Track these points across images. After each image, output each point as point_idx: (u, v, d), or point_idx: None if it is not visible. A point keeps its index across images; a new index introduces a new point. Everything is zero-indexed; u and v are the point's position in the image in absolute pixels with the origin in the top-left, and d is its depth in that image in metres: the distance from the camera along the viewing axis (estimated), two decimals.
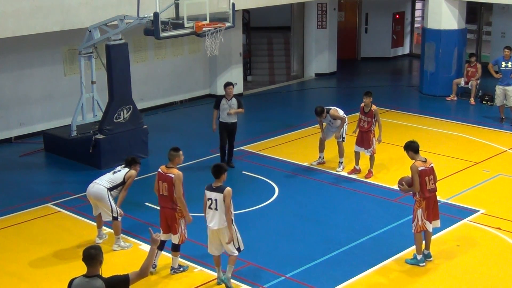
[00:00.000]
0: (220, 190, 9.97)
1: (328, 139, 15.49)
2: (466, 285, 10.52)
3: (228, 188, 9.96)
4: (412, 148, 10.98)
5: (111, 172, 11.85)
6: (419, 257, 10.95)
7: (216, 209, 10.01)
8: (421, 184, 10.67)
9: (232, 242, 10.17)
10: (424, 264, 10.94)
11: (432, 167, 10.87)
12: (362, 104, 14.72)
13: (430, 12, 21.38)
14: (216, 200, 9.98)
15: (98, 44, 15.96)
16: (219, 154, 15.82)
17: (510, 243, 11.83)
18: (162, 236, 10.76)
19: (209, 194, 10.09)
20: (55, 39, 17.36)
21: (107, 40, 15.36)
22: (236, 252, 10.26)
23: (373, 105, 14.61)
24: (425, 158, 10.92)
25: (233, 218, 10.12)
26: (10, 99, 17.33)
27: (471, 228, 12.45)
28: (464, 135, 17.73)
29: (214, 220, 10.07)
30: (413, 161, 10.84)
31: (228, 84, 15.22)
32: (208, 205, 10.10)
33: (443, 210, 12.76)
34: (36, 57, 17.56)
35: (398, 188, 11.26)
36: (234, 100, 15.09)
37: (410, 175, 10.80)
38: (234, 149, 15.91)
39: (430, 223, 10.86)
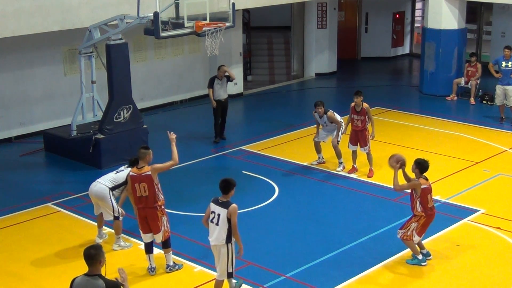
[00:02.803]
0: (225, 205, 9.52)
1: (323, 141, 15.45)
2: (466, 285, 10.52)
3: (234, 205, 9.52)
4: (422, 167, 10.77)
5: (114, 172, 11.84)
6: (420, 257, 10.96)
7: (217, 224, 9.56)
8: (423, 202, 10.69)
9: (227, 264, 9.74)
10: (425, 263, 10.94)
11: (431, 186, 10.92)
12: (353, 104, 14.77)
13: (430, 12, 21.38)
14: (219, 215, 9.53)
15: (98, 44, 15.96)
16: (219, 153, 16.21)
17: (510, 243, 11.83)
18: (145, 238, 10.79)
19: (213, 207, 9.64)
20: (55, 39, 17.37)
21: (107, 40, 15.35)
22: (226, 277, 9.80)
23: (364, 103, 14.66)
24: (427, 178, 10.91)
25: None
26: (10, 99, 17.33)
27: (471, 228, 12.45)
28: (464, 134, 17.72)
29: (214, 235, 9.67)
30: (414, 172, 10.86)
31: (220, 66, 17.14)
32: (210, 218, 9.68)
33: (443, 210, 12.78)
34: (36, 57, 17.56)
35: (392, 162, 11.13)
36: (224, 79, 17.02)
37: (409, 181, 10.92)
38: (235, 149, 16.27)
39: (419, 237, 10.91)
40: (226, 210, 9.48)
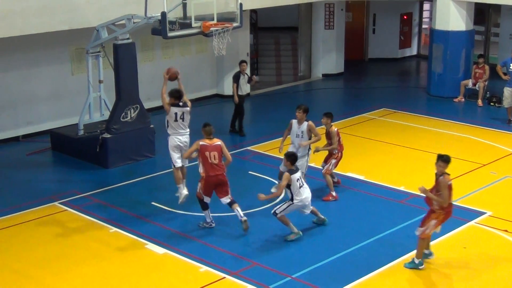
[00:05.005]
0: (298, 168, 11.96)
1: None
2: (472, 287, 10.48)
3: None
4: (445, 160, 10.58)
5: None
6: (417, 260, 10.86)
7: (303, 184, 11.80)
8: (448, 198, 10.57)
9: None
10: (423, 267, 10.86)
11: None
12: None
13: (438, 13, 21.35)
14: (300, 178, 11.72)
15: (105, 44, 15.98)
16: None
17: None
18: (208, 199, 12.27)
19: (296, 175, 11.64)
20: (62, 38, 17.39)
21: (115, 40, 15.37)
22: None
23: (332, 127, 13.63)
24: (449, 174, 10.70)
25: None
26: (17, 98, 17.37)
27: (478, 230, 12.41)
28: (472, 136, 17.68)
29: (308, 192, 11.87)
30: (441, 172, 10.59)
31: (242, 61, 17.83)
32: (298, 186, 11.64)
33: None
34: (43, 56, 17.59)
35: (420, 191, 10.87)
36: (246, 75, 17.80)
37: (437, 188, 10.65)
38: (241, 149, 16.52)
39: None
40: (300, 171, 12.06)
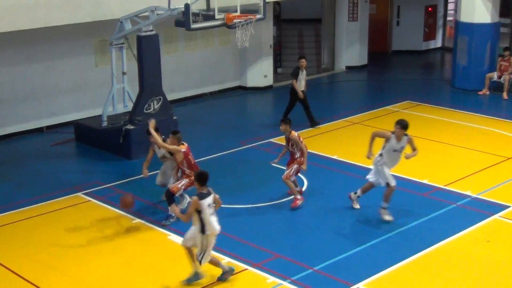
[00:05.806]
0: (210, 192, 9.95)
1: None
2: (496, 281, 10.40)
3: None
4: None
5: None
6: None
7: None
8: None
9: None
10: None
11: None
12: None
13: (463, 5, 21.16)
14: (211, 203, 9.92)
15: (129, 35, 16.03)
16: (249, 146, 16.33)
17: None
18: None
19: (206, 201, 9.79)
20: (86, 30, 17.46)
21: (138, 31, 15.41)
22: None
23: (292, 132, 12.91)
24: None
25: None
26: (41, 89, 17.49)
27: (502, 223, 12.31)
28: (496, 130, 17.53)
29: (216, 220, 10.04)
30: None
31: (301, 57, 17.74)
32: (209, 213, 9.83)
33: (474, 205, 12.66)
34: (67, 48, 17.70)
35: None
36: (304, 71, 17.67)
37: None
38: (264, 141, 16.51)
39: None
40: (212, 195, 10.07)
